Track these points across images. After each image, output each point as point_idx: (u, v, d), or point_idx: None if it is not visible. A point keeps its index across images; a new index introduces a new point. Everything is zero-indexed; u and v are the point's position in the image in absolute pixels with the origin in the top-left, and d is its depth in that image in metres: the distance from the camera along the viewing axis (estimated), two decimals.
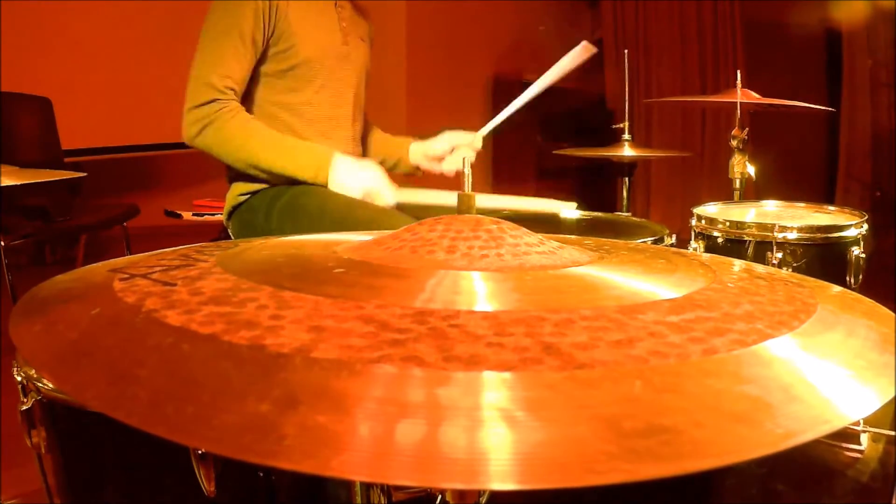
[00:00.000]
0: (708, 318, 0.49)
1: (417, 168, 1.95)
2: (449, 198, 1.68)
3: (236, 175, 1.72)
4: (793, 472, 0.90)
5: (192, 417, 0.38)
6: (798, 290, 0.59)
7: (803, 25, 4.01)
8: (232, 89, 1.59)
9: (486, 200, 1.61)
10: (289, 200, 1.62)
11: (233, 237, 1.76)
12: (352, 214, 1.54)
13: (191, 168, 4.31)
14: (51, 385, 0.78)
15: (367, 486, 0.62)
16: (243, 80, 1.62)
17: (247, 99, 1.66)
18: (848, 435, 0.86)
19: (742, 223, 1.59)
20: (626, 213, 2.25)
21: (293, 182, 1.65)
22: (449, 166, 1.87)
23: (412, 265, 0.56)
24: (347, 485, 0.66)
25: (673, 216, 4.20)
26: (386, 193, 1.62)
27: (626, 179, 2.38)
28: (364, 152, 1.89)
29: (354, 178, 1.63)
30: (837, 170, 4.23)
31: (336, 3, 1.75)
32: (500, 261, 0.56)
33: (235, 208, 1.72)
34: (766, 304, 0.54)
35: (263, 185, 1.68)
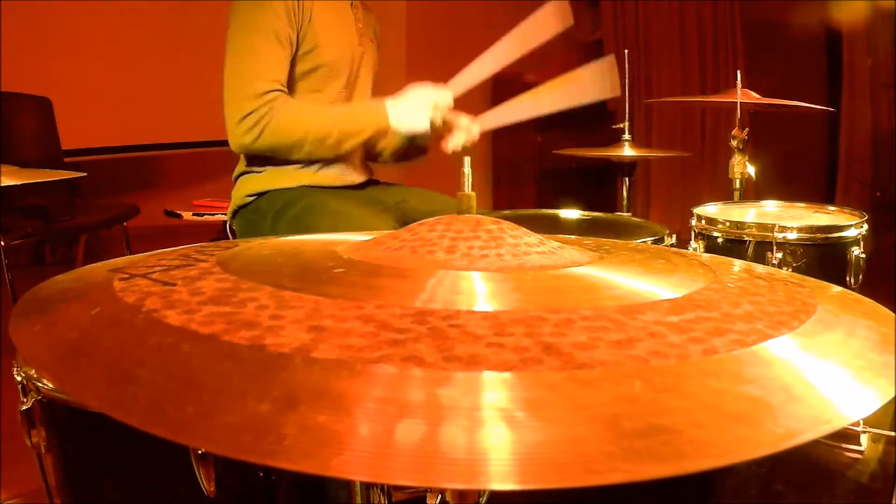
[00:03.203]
0: (708, 318, 0.49)
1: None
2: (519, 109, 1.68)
3: (242, 173, 1.71)
4: (793, 473, 0.90)
5: (192, 417, 0.38)
6: (798, 291, 0.59)
7: (803, 25, 4.01)
8: (277, 90, 1.58)
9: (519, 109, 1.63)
10: (299, 214, 1.60)
11: (237, 236, 1.75)
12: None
13: (191, 168, 4.33)
14: (51, 385, 0.78)
15: (367, 486, 0.62)
16: (285, 80, 1.61)
17: None
18: (848, 435, 0.86)
19: (742, 223, 1.59)
20: (626, 213, 2.25)
21: (302, 187, 1.65)
22: (454, 143, 1.79)
23: (412, 265, 0.56)
24: (347, 485, 0.66)
25: (673, 216, 4.20)
26: (445, 96, 1.64)
27: (626, 179, 2.38)
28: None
29: (412, 108, 1.63)
30: (837, 170, 4.23)
31: (352, 3, 1.75)
32: (500, 261, 0.56)
33: (241, 207, 1.72)
34: (766, 305, 0.54)
35: (270, 187, 1.67)
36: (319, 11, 1.63)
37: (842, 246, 1.54)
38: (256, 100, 1.54)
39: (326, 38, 1.64)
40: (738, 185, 2.05)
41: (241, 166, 1.73)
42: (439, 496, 0.54)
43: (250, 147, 1.58)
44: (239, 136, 1.57)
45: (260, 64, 1.56)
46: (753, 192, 2.37)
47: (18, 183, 1.49)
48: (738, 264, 0.73)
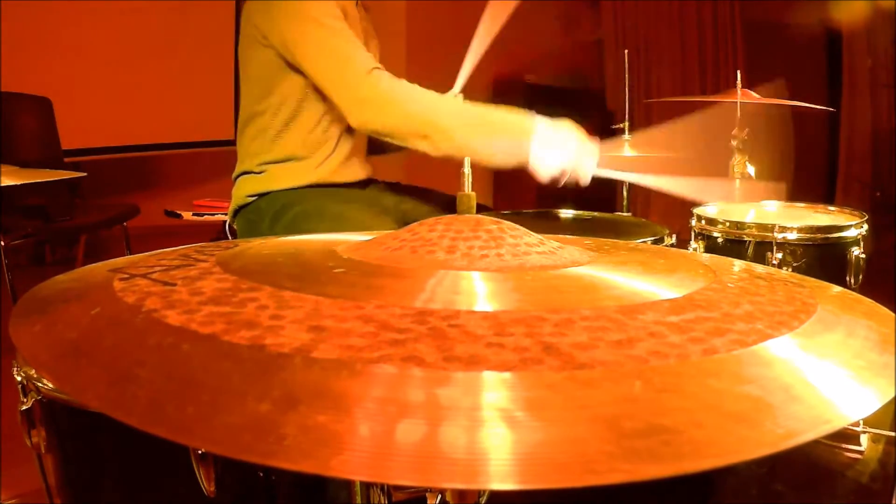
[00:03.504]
0: (708, 318, 0.49)
1: None
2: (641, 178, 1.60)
3: (242, 173, 1.71)
4: (793, 473, 0.90)
5: (192, 417, 0.38)
6: (798, 291, 0.59)
7: (803, 25, 4.01)
8: (376, 65, 1.55)
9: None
10: (298, 216, 1.60)
11: (237, 236, 1.75)
12: None
13: (191, 168, 4.33)
14: (51, 385, 0.78)
15: (367, 486, 0.62)
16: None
17: (292, 109, 1.64)
18: (848, 435, 0.86)
19: (742, 223, 1.58)
20: (626, 213, 2.25)
21: (302, 189, 1.64)
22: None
23: (412, 265, 0.56)
24: (347, 485, 0.66)
25: (673, 216, 4.20)
26: (587, 172, 1.52)
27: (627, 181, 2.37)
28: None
29: (557, 150, 1.49)
30: (837, 170, 4.23)
31: (357, 3, 1.74)
32: (500, 261, 0.56)
33: (241, 207, 1.72)
34: (766, 305, 0.54)
35: (270, 188, 1.67)
36: (346, 10, 1.63)
37: (842, 246, 1.54)
38: (363, 73, 1.51)
39: None
40: (738, 185, 2.05)
41: (240, 166, 1.73)
42: (439, 496, 0.54)
43: (372, 124, 1.54)
44: (359, 117, 1.53)
45: (347, 45, 1.55)
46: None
47: (18, 183, 1.48)
48: (738, 264, 0.73)
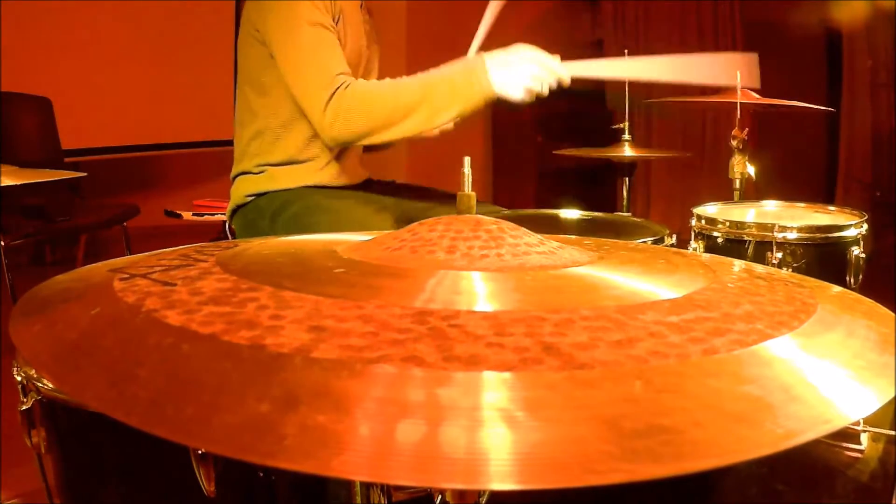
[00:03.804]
0: (708, 318, 0.49)
1: None
2: (617, 68, 1.58)
3: (239, 173, 1.71)
4: (793, 472, 0.90)
5: (192, 417, 0.38)
6: (798, 290, 0.59)
7: (803, 25, 4.01)
8: (346, 80, 1.54)
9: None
10: (298, 212, 1.60)
11: (236, 235, 1.75)
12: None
13: (191, 168, 4.32)
14: (51, 385, 0.78)
15: (367, 486, 0.62)
16: (347, 68, 1.58)
17: (290, 110, 1.63)
18: (848, 435, 0.86)
19: (742, 223, 1.58)
20: (626, 213, 2.25)
21: (300, 188, 1.64)
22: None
23: (412, 265, 0.56)
24: (347, 485, 0.66)
25: (673, 216, 4.20)
26: (555, 66, 1.51)
27: (626, 179, 2.38)
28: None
29: (517, 72, 1.50)
30: (837, 170, 4.23)
31: (361, 5, 1.74)
32: (500, 261, 0.56)
33: (240, 207, 1.72)
34: (766, 304, 0.54)
35: (269, 188, 1.67)
36: (344, 12, 1.62)
37: (842, 246, 1.54)
38: (331, 88, 1.51)
39: (346, 39, 1.63)
40: (738, 185, 2.05)
41: (237, 167, 1.73)
42: (439, 496, 0.54)
43: (342, 136, 1.54)
44: (327, 129, 1.54)
45: (322, 54, 1.55)
46: (753, 191, 2.37)
47: (18, 183, 1.49)
48: (738, 264, 0.73)
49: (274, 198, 1.66)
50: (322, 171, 1.69)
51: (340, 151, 1.71)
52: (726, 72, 1.62)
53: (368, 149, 1.85)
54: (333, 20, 1.58)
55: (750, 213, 1.74)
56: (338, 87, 1.51)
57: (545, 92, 1.53)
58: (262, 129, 1.67)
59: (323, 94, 1.51)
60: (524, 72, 1.51)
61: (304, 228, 1.56)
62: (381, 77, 1.84)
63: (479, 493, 0.52)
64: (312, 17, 1.54)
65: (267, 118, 1.66)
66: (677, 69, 1.55)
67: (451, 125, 1.64)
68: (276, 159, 1.67)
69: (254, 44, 1.63)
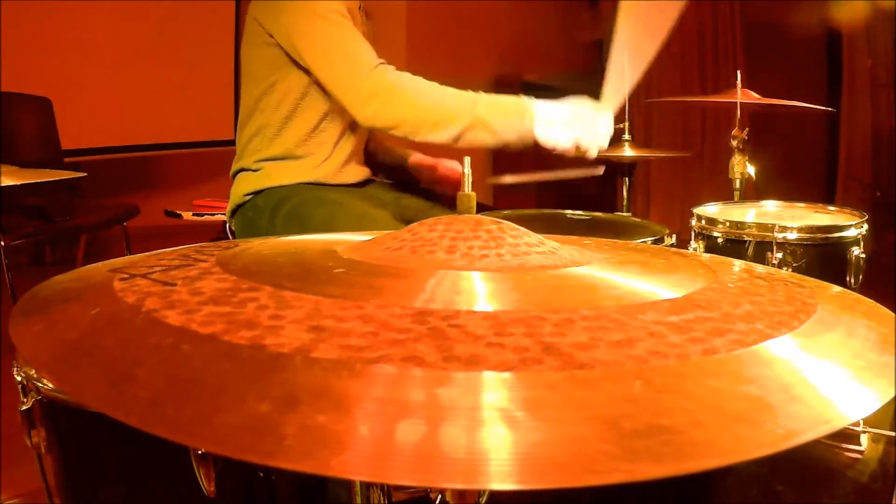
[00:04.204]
0: (708, 318, 0.49)
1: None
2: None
3: (239, 170, 1.71)
4: (793, 472, 0.90)
5: (192, 417, 0.38)
6: (798, 290, 0.59)
7: (803, 25, 4.01)
8: (381, 61, 1.55)
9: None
10: (296, 206, 1.60)
11: (236, 235, 1.75)
12: (363, 229, 1.52)
13: (191, 168, 4.32)
14: (51, 385, 0.78)
15: (367, 486, 0.62)
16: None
17: (291, 106, 1.64)
18: (848, 435, 0.86)
19: (742, 223, 1.58)
20: (626, 213, 2.25)
21: (299, 184, 1.64)
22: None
23: (412, 265, 0.56)
24: (347, 485, 0.66)
25: (673, 216, 4.21)
26: (601, 123, 1.55)
27: (626, 179, 2.38)
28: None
29: (564, 121, 1.53)
30: (837, 170, 4.23)
31: (360, 6, 1.74)
32: (500, 261, 0.56)
33: (239, 206, 1.72)
34: (766, 304, 0.54)
35: (268, 185, 1.67)
36: (348, 10, 1.63)
37: (842, 246, 1.54)
38: (368, 69, 1.52)
39: None
40: (738, 185, 2.05)
41: (238, 163, 1.73)
42: (439, 496, 0.54)
43: (379, 115, 1.54)
44: (363, 109, 1.54)
45: (352, 41, 1.56)
46: (753, 191, 2.37)
47: (18, 183, 1.49)
48: (738, 264, 0.73)
49: (271, 194, 1.66)
50: (319, 168, 1.69)
51: (337, 149, 1.71)
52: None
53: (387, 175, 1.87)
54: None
55: (750, 213, 1.74)
56: (375, 66, 1.52)
57: (593, 154, 1.57)
58: (262, 126, 1.67)
59: (357, 74, 1.52)
60: (569, 130, 1.53)
61: (302, 221, 1.57)
62: None
63: (479, 493, 0.52)
64: (330, 7, 1.56)
65: (268, 115, 1.66)
66: None
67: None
68: (273, 154, 1.67)
69: (260, 45, 1.63)
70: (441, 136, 1.54)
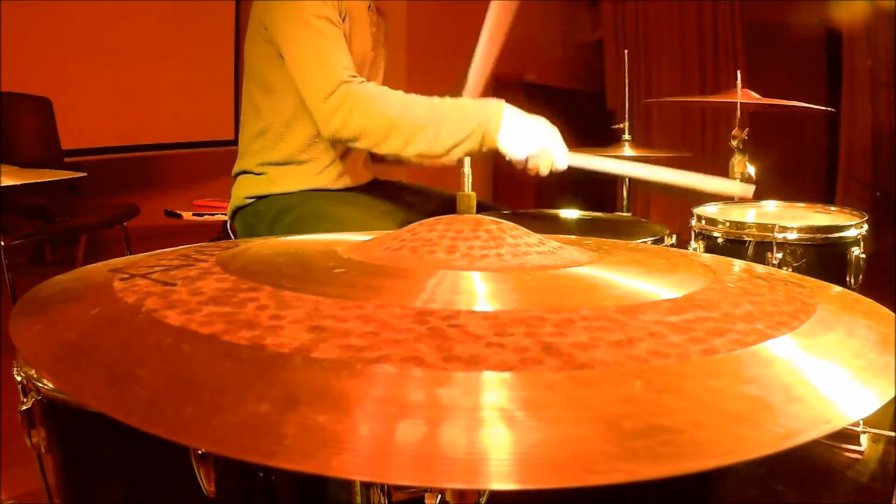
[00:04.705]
0: (708, 318, 0.49)
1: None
2: (619, 166, 1.63)
3: (241, 172, 1.71)
4: (793, 472, 0.90)
5: (192, 417, 0.38)
6: (798, 291, 0.59)
7: (803, 25, 4.01)
8: (353, 74, 1.54)
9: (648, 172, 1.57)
10: (296, 220, 1.58)
11: (237, 235, 1.75)
12: None
13: (191, 168, 4.33)
14: (51, 385, 0.78)
15: (367, 486, 0.62)
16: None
17: (294, 109, 1.63)
18: (848, 435, 0.86)
19: (742, 223, 1.58)
20: (627, 213, 2.25)
21: (301, 192, 1.64)
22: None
23: (412, 265, 0.56)
24: (347, 485, 0.66)
25: (673, 216, 4.20)
26: (559, 156, 1.53)
27: (626, 179, 2.38)
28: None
29: (527, 134, 1.51)
30: (837, 170, 4.24)
31: (369, 6, 1.73)
32: (500, 261, 0.56)
33: (240, 208, 1.71)
34: (766, 304, 0.54)
35: (269, 191, 1.66)
36: (352, 11, 1.62)
37: (842, 246, 1.54)
38: (336, 82, 1.50)
39: (351, 39, 1.62)
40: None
41: (239, 164, 1.72)
42: (439, 496, 0.54)
43: (340, 130, 1.52)
44: (327, 121, 1.52)
45: (330, 49, 1.54)
46: (753, 191, 2.37)
47: (18, 183, 1.49)
48: (738, 264, 0.73)
49: (273, 202, 1.65)
50: (322, 174, 1.69)
51: (343, 154, 1.70)
52: (723, 187, 1.64)
53: (377, 158, 1.85)
54: (340, 17, 1.58)
55: (750, 214, 1.74)
56: (344, 81, 1.51)
57: (543, 172, 1.54)
58: (265, 128, 1.67)
59: (326, 84, 1.50)
60: (532, 143, 1.52)
61: (304, 233, 1.54)
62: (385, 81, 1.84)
63: (479, 493, 0.52)
64: (318, 11, 1.54)
65: (271, 117, 1.65)
66: (678, 177, 1.56)
67: (452, 159, 1.57)
68: (276, 158, 1.67)
69: (261, 42, 1.62)
70: (404, 148, 1.52)
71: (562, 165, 1.55)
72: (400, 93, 1.55)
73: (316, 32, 1.54)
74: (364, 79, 1.54)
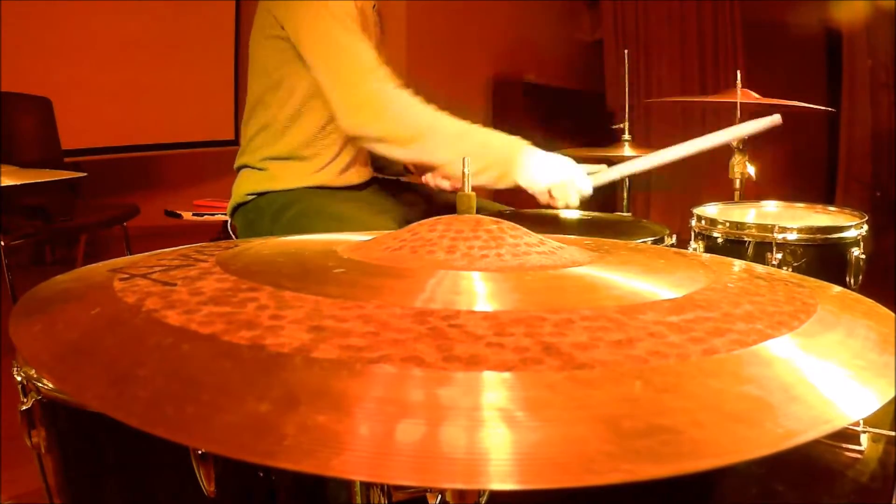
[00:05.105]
0: (708, 318, 0.49)
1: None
2: (640, 163, 1.65)
3: (243, 166, 1.70)
4: (793, 472, 0.90)
5: (192, 417, 0.38)
6: (798, 291, 0.59)
7: (803, 25, 4.01)
8: (389, 76, 1.53)
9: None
10: (297, 216, 1.58)
11: (237, 232, 1.75)
12: None
13: (191, 168, 4.33)
14: (51, 385, 0.78)
15: (367, 486, 0.62)
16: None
17: (299, 104, 1.63)
18: (848, 435, 0.86)
19: (742, 224, 1.58)
20: (627, 213, 2.25)
21: (302, 189, 1.63)
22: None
23: (412, 265, 0.56)
24: (347, 485, 0.66)
25: (673, 216, 4.21)
26: (582, 182, 1.56)
27: (627, 179, 2.38)
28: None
29: (547, 168, 1.54)
30: (837, 170, 4.24)
31: (374, 6, 1.73)
32: (500, 261, 0.56)
33: (241, 205, 1.71)
34: (766, 304, 0.54)
35: (270, 188, 1.66)
36: (362, 12, 1.62)
37: (842, 246, 1.54)
38: (369, 81, 1.50)
39: None
40: (738, 185, 2.05)
41: (242, 158, 1.71)
42: (439, 496, 0.54)
43: (364, 127, 1.52)
44: (354, 115, 1.51)
45: (358, 48, 1.54)
46: (753, 191, 2.37)
47: (18, 183, 1.49)
48: (738, 264, 0.73)
49: (274, 199, 1.65)
50: (324, 171, 1.68)
51: (344, 151, 1.70)
52: (751, 128, 1.64)
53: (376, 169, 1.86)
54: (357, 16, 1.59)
55: (750, 214, 1.74)
56: (381, 80, 1.50)
57: (573, 201, 1.58)
58: (269, 122, 1.66)
59: (362, 77, 1.50)
60: (552, 174, 1.54)
61: (302, 231, 1.55)
62: None
63: (479, 493, 0.52)
64: (344, 10, 1.55)
65: (275, 111, 1.65)
66: (704, 143, 1.60)
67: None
68: (278, 153, 1.66)
69: (271, 37, 1.61)
70: (421, 156, 1.54)
71: (587, 190, 1.58)
72: (431, 108, 1.55)
73: (343, 30, 1.54)
74: (401, 83, 1.54)
